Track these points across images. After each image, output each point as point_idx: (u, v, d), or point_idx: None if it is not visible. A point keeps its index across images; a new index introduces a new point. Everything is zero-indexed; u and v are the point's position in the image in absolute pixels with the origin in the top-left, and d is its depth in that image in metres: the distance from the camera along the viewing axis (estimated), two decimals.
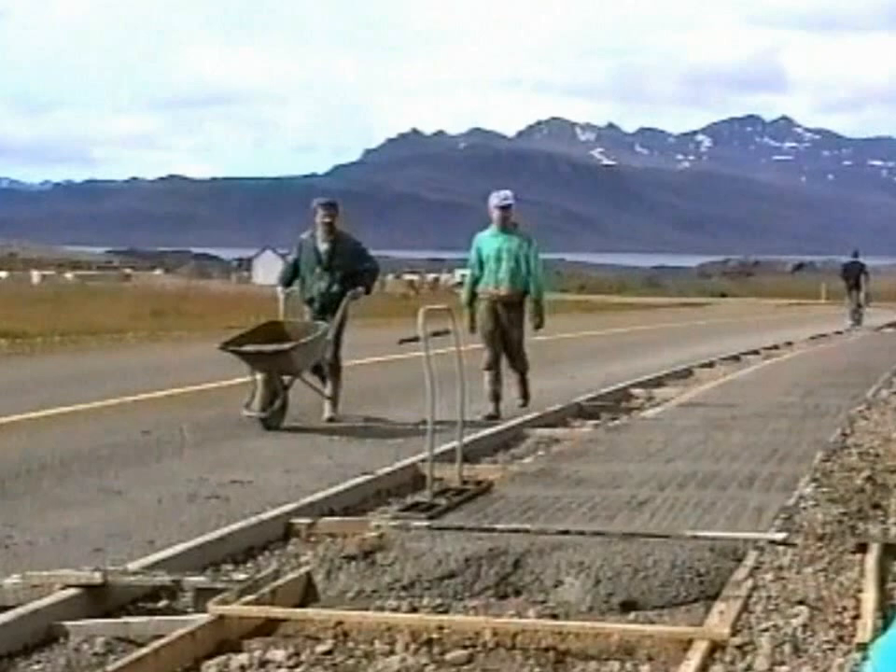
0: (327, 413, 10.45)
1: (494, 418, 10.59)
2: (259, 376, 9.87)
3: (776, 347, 21.13)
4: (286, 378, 10.02)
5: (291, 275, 10.87)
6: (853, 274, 31.20)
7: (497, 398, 10.97)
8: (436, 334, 7.16)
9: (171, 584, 4.97)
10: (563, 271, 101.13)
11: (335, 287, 10.56)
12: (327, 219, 10.63)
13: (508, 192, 11.19)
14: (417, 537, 5.65)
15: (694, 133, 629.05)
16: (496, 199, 11.04)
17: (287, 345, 9.83)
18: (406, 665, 4.17)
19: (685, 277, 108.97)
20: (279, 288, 10.91)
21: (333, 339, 10.41)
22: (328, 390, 10.56)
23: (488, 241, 11.11)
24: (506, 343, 11.03)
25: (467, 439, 7.62)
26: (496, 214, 11.04)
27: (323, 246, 10.63)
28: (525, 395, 11.34)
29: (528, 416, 10.62)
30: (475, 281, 11.12)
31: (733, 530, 5.82)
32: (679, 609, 4.82)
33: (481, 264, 11.07)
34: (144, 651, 4.13)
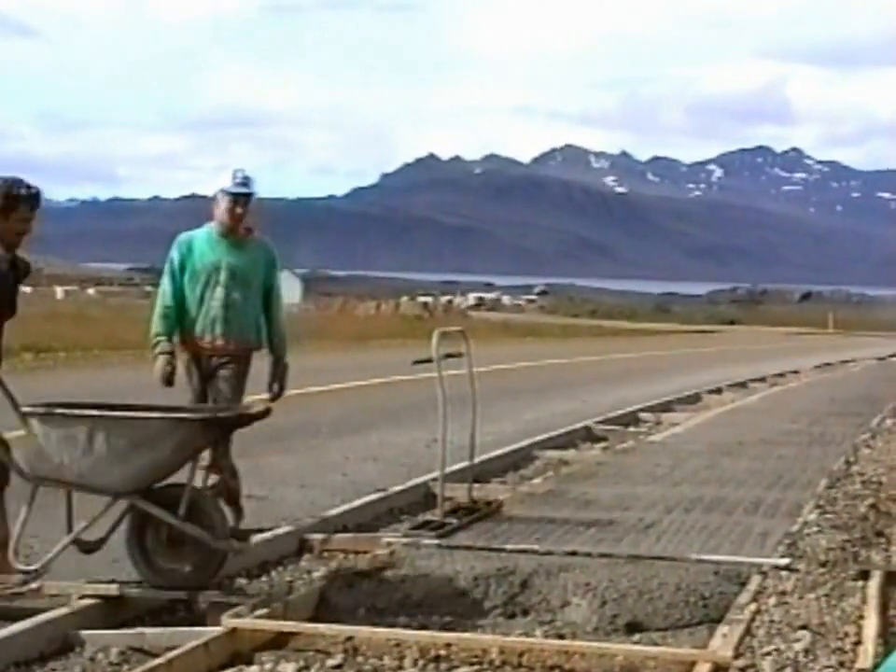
0: None
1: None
2: None
3: (782, 375, 21.23)
4: None
5: None
6: None
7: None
8: (449, 356, 7.24)
9: (186, 597, 5.03)
10: (575, 296, 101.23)
11: None
12: None
13: (248, 174, 6.44)
14: (427, 555, 5.73)
15: (706, 162, 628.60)
16: (228, 180, 6.40)
17: None
18: None
19: (694, 304, 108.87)
20: None
21: None
22: None
23: (203, 249, 6.42)
24: None
25: (477, 459, 7.69)
26: (225, 206, 6.36)
27: None
28: (240, 512, 6.44)
29: (538, 438, 10.68)
30: (177, 310, 6.41)
31: (737, 555, 5.88)
32: (683, 631, 4.89)
33: (181, 283, 6.40)
34: (157, 661, 4.20)
